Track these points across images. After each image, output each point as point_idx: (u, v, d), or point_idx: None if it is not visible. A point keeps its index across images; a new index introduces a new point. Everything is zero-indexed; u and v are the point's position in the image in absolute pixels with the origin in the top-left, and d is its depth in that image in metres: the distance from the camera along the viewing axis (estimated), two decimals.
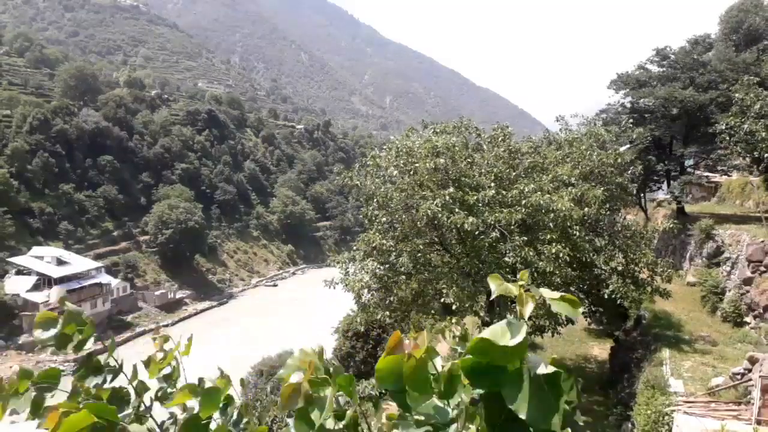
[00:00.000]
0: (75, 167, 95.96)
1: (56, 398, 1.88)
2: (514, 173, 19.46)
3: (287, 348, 36.62)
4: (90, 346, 1.91)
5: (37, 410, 1.83)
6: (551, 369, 1.26)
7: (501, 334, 1.25)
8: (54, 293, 2.02)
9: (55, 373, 1.84)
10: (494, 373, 1.27)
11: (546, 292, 1.40)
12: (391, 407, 1.59)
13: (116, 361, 1.96)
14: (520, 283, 1.49)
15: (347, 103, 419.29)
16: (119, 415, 1.66)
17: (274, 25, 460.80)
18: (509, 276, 19.47)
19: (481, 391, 1.30)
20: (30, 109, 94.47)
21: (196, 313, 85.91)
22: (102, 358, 1.97)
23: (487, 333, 1.26)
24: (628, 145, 27.37)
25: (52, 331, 1.86)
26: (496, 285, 1.46)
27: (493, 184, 18.02)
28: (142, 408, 1.87)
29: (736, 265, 24.46)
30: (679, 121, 31.94)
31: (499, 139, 20.28)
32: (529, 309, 1.44)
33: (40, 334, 1.88)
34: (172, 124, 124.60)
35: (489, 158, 19.71)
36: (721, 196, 41.47)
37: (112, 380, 1.95)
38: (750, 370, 15.33)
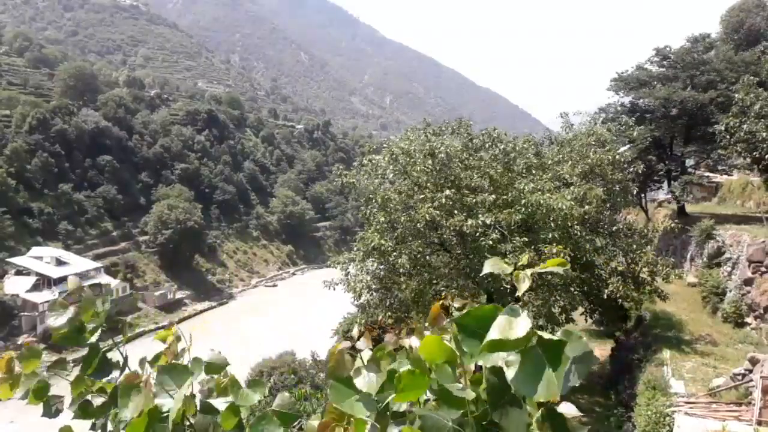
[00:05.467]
0: (74, 167, 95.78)
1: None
2: (510, 175, 19.29)
3: (288, 349, 36.75)
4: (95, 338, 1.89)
5: (42, 396, 1.80)
6: (555, 337, 1.26)
7: (507, 327, 1.25)
8: (71, 282, 2.00)
9: (64, 361, 1.86)
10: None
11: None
12: None
13: (122, 354, 1.92)
14: (521, 262, 1.53)
15: (347, 103, 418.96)
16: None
17: (274, 25, 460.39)
18: (508, 277, 19.39)
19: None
20: (29, 108, 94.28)
21: (195, 314, 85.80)
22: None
23: (495, 332, 1.25)
24: (628, 145, 27.30)
25: (65, 318, 1.84)
26: (490, 264, 1.53)
27: (490, 188, 17.92)
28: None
29: (736, 266, 24.39)
30: (679, 121, 31.89)
31: (488, 144, 19.85)
32: (524, 286, 1.50)
33: (53, 321, 1.84)
34: (172, 123, 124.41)
35: (486, 160, 19.50)
36: (722, 196, 41.42)
37: (120, 374, 1.90)
38: (751, 371, 15.28)
